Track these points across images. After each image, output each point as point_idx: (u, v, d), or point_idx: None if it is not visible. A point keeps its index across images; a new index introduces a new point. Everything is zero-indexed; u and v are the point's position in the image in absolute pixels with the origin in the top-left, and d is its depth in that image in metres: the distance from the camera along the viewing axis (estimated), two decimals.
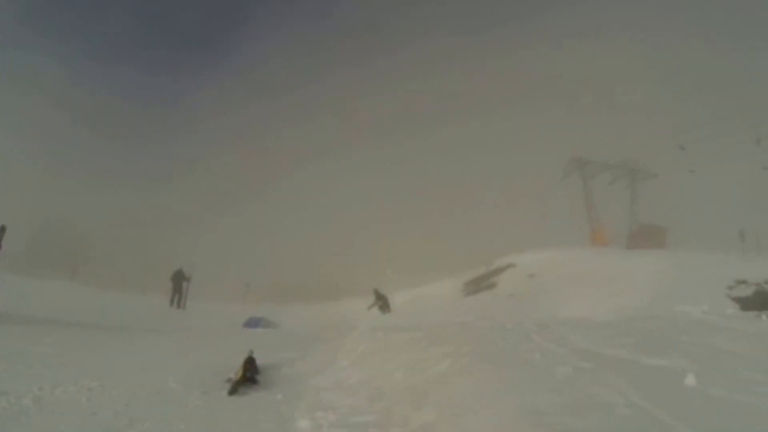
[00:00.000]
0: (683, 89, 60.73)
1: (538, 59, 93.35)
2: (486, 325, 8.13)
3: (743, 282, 24.15)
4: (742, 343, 6.95)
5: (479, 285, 29.51)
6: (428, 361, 5.15)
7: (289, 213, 67.14)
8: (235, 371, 6.46)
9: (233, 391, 5.94)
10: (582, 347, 6.42)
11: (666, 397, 4.18)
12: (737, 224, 32.20)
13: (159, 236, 54.57)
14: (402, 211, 60.37)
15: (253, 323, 15.71)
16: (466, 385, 4.10)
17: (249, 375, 6.36)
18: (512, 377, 4.18)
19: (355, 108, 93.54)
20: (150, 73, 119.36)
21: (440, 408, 3.92)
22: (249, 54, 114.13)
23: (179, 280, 21.37)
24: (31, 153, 62.43)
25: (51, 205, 54.86)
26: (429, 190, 61.40)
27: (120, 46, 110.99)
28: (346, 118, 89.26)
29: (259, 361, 6.98)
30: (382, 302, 18.98)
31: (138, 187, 70.91)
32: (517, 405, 3.53)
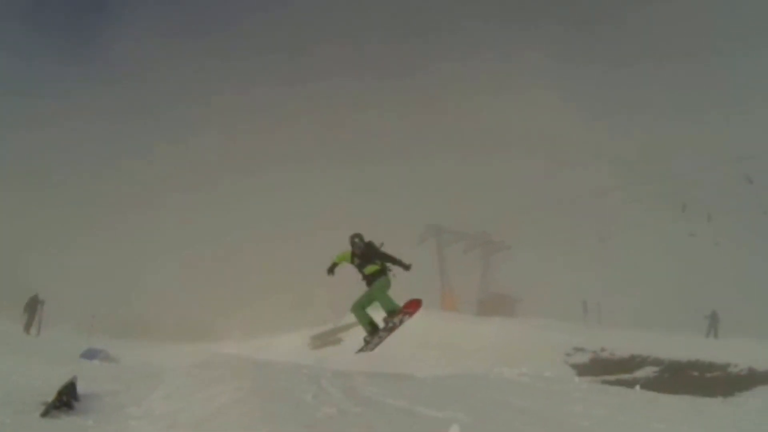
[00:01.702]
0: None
1: (410, 110, 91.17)
2: (280, 367, 9.14)
3: (581, 349, 27.13)
4: (535, 401, 7.44)
5: (326, 340, 30.70)
6: (218, 395, 6.17)
7: (145, 246, 61.92)
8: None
9: (45, 413, 6.33)
10: (365, 395, 6.76)
11: None
12: (581, 296, 36.44)
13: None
14: (255, 257, 57.95)
15: (90, 354, 15.49)
16: (234, 415, 5.13)
17: (65, 399, 6.69)
18: (274, 411, 5.22)
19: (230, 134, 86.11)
20: None
21: None
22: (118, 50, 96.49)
23: (34, 306, 20.35)
24: None
25: None
26: (282, 240, 59.87)
27: None
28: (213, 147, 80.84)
29: (82, 390, 7.25)
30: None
31: None
32: None
